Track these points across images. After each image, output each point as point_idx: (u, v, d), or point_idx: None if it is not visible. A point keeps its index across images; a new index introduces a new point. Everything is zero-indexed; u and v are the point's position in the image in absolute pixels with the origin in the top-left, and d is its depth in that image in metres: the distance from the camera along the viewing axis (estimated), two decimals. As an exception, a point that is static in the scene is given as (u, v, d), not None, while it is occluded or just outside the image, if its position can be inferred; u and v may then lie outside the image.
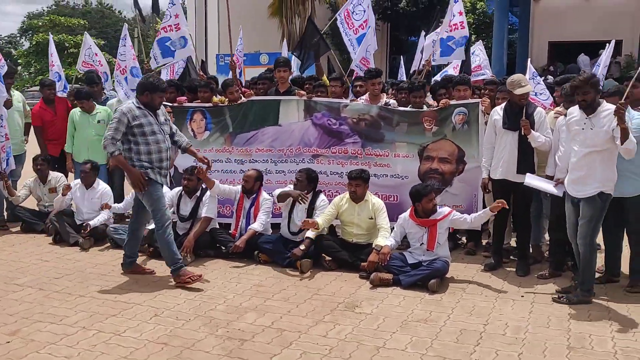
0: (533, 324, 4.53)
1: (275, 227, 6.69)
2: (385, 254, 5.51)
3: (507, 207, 5.44)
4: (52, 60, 8.73)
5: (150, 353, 4.00)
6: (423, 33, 10.62)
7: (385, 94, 7.32)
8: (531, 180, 5.49)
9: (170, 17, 7.93)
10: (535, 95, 6.33)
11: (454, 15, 7.99)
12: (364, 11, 8.52)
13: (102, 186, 7.12)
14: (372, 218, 5.96)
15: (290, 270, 5.88)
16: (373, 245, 5.71)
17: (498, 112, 5.84)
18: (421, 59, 9.21)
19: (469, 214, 5.82)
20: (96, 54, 8.87)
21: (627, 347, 4.09)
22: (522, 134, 5.56)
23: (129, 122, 5.29)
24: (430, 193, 5.59)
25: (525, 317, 4.67)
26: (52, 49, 8.81)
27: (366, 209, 5.99)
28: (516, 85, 5.54)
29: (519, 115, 5.58)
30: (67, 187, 7.07)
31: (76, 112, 7.73)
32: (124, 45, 7.75)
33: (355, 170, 6.08)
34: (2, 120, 7.21)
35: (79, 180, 7.21)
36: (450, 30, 7.99)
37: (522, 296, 5.15)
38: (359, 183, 5.96)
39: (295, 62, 9.50)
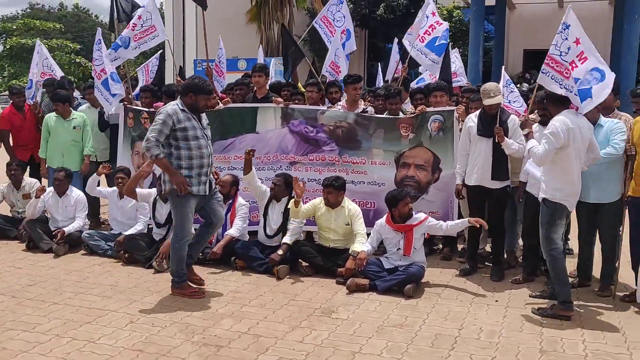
0: (507, 328, 4.59)
1: (252, 234, 6.66)
2: (362, 260, 5.55)
3: (487, 227, 5.60)
4: (31, 67, 8.62)
5: (125, 360, 3.98)
6: (396, 40, 10.69)
7: (362, 101, 7.36)
8: (530, 167, 5.47)
9: (135, 16, 7.87)
10: (509, 102, 6.41)
11: (427, 17, 8.04)
12: (344, 17, 8.56)
13: (75, 193, 7.03)
14: (348, 224, 5.99)
15: (267, 276, 5.88)
16: (350, 251, 5.74)
17: (472, 119, 5.92)
18: (397, 66, 9.25)
19: (445, 221, 5.92)
20: (51, 65, 8.78)
21: (597, 350, 4.18)
22: (496, 141, 5.65)
23: (174, 124, 5.03)
24: (406, 197, 5.66)
25: (499, 321, 4.74)
26: (35, 54, 8.70)
27: (342, 215, 6.02)
28: (486, 96, 5.62)
29: (493, 123, 5.66)
30: (41, 189, 6.97)
31: (51, 116, 7.59)
32: (99, 50, 7.64)
33: (328, 177, 6.09)
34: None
35: (52, 188, 7.11)
36: (430, 33, 8.02)
37: (497, 301, 5.22)
38: (330, 191, 5.97)
39: (274, 68, 9.50)
